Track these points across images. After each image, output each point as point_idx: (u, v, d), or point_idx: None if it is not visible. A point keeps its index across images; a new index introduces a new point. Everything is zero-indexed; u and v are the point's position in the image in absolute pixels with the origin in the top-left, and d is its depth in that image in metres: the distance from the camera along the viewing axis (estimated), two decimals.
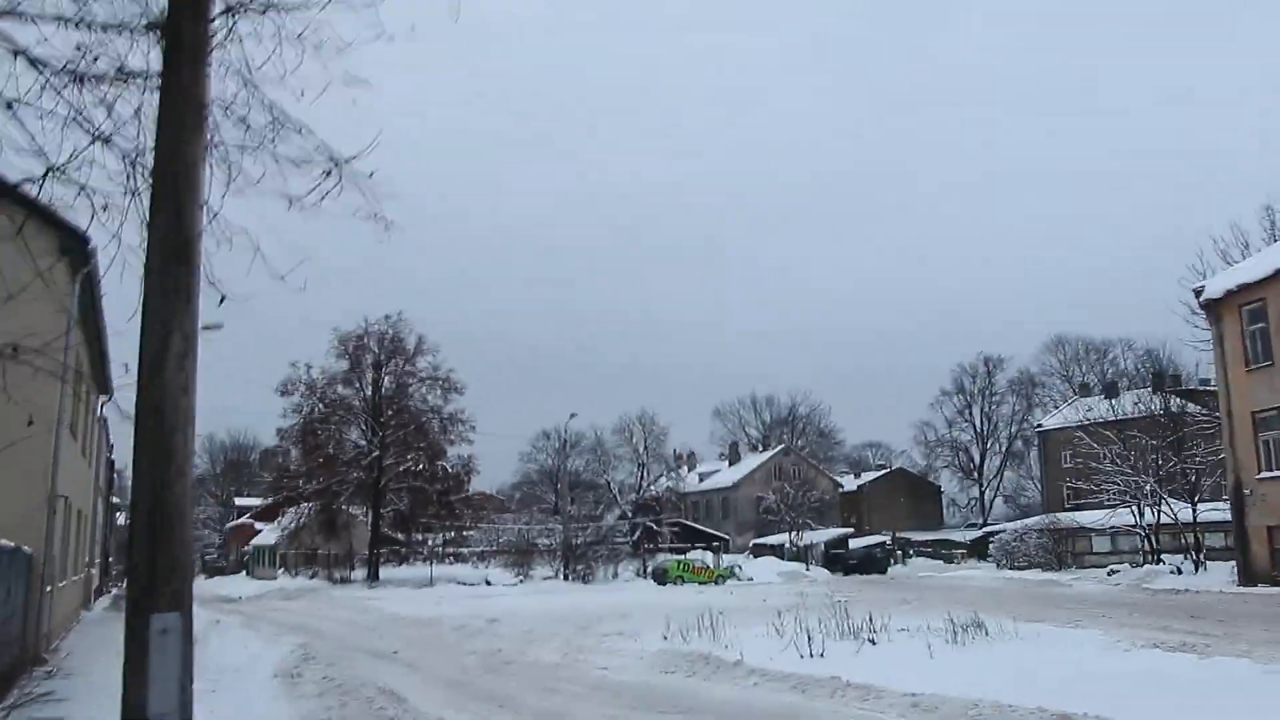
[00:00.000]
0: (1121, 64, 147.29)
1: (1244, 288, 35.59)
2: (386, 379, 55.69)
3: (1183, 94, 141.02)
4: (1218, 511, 44.18)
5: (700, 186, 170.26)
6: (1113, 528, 48.00)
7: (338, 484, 53.16)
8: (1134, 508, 46.58)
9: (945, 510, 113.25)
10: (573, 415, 60.71)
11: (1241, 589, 33.73)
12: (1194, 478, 44.16)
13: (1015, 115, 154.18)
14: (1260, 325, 35.15)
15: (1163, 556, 44.38)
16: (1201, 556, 42.41)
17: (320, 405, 54.89)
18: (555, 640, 21.50)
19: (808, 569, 63.25)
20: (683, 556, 57.63)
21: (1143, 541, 46.52)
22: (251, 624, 28.21)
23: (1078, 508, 65.27)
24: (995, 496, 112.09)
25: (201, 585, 73.82)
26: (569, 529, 59.91)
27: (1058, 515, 53.75)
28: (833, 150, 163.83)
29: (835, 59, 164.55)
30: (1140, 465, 45.52)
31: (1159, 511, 45.12)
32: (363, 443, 54.22)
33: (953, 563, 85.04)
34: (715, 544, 75.93)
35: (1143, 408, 53.50)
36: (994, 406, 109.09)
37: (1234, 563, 38.58)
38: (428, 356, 55.78)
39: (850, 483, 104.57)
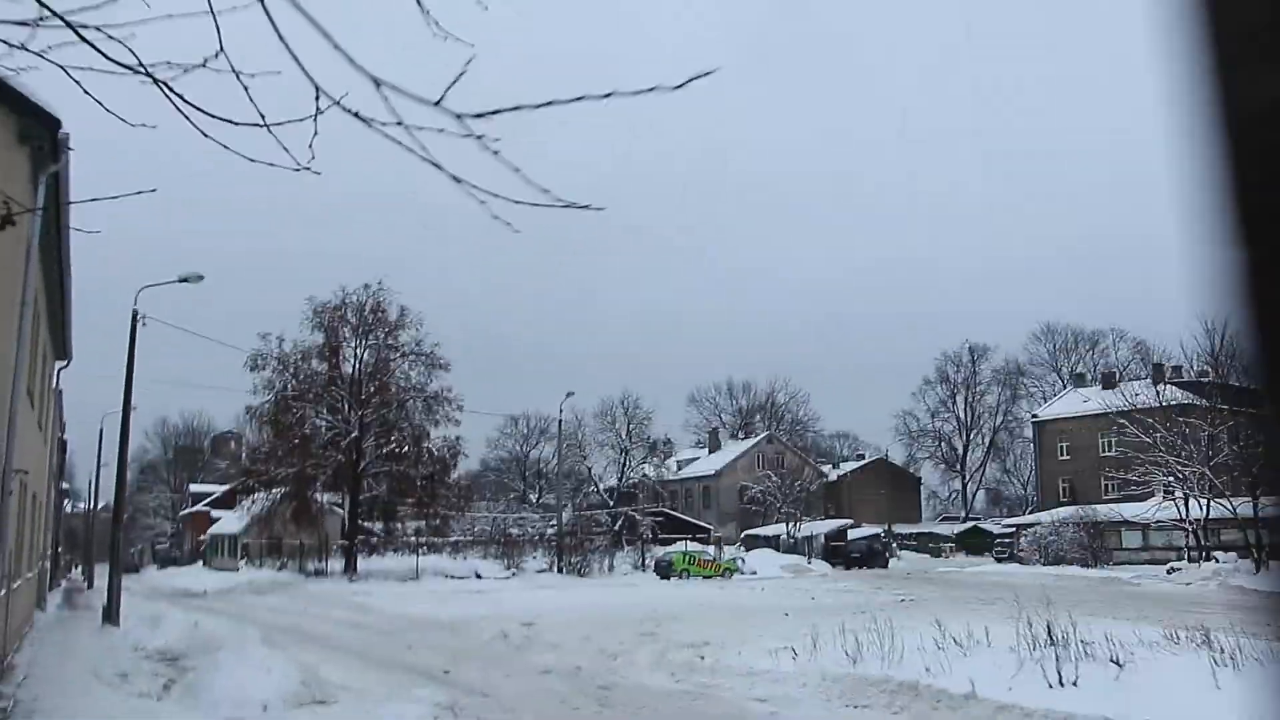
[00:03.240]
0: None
1: None
2: (366, 354, 51.08)
3: None
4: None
5: (673, 167, 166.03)
6: (1158, 522, 44.57)
7: (312, 467, 48.45)
8: (1179, 501, 43.32)
9: (925, 503, 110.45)
10: (569, 394, 56.31)
11: None
12: (1255, 469, 40.82)
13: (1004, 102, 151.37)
14: None
15: (1215, 554, 40.97)
16: (1264, 555, 39.14)
17: (294, 381, 50.16)
18: (634, 652, 17.46)
19: (809, 562, 59.73)
20: (687, 549, 53.73)
21: (1189, 537, 43.07)
22: (245, 625, 23.85)
23: (1074, 502, 62.46)
24: (977, 490, 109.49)
25: (155, 577, 69.11)
26: (563, 519, 55.78)
27: (1095, 508, 50.17)
28: (815, 132, 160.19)
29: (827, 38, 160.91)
30: (1190, 454, 42.06)
31: (1209, 505, 41.80)
32: (340, 423, 49.56)
33: (940, 556, 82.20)
34: (702, 535, 72.24)
35: (1144, 400, 50.06)
36: (978, 397, 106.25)
37: None
38: (410, 330, 51.26)
39: (830, 473, 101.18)
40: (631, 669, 15.59)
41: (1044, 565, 46.45)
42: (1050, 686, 11.35)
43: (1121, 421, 47.01)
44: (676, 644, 18.54)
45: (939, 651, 13.95)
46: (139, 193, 5.99)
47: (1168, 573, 39.32)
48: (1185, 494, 42.42)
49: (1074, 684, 11.35)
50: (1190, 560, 41.85)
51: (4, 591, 14.62)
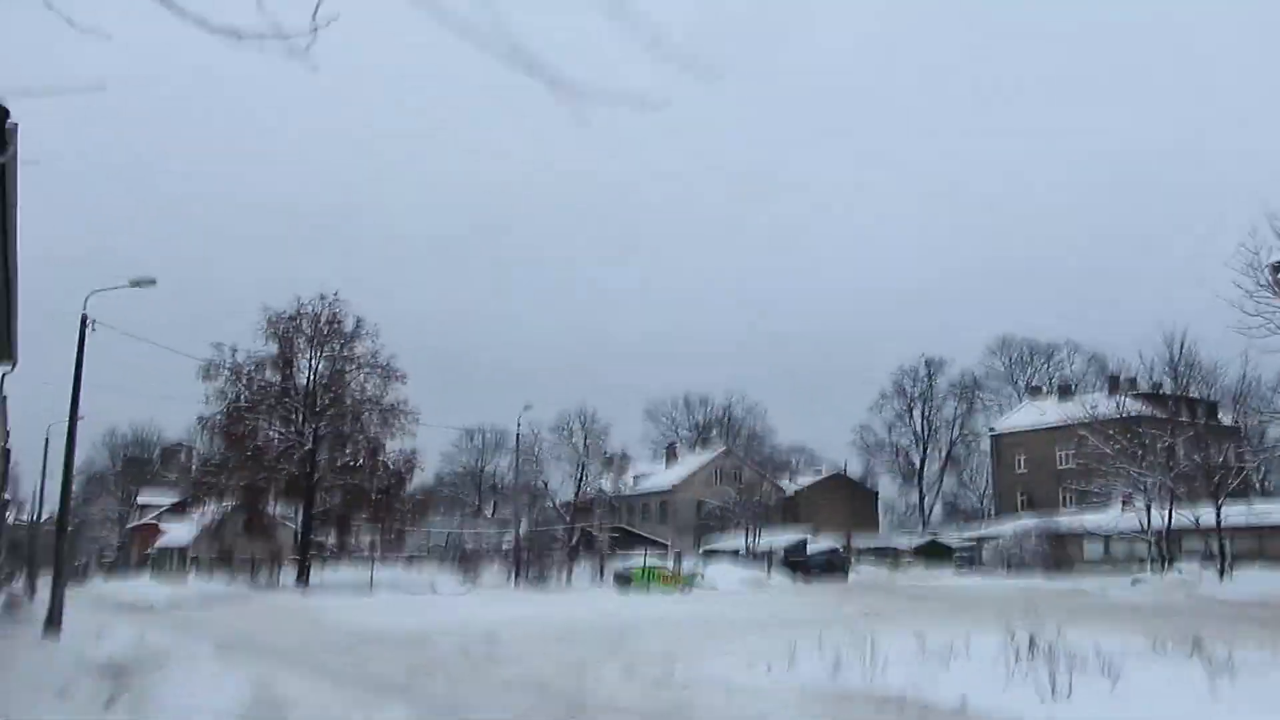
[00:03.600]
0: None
1: None
2: (321, 364, 50.02)
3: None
4: (1240, 515, 41.15)
5: (621, 178, 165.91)
6: (1120, 532, 44.53)
7: (265, 479, 47.37)
8: (1140, 510, 43.33)
9: (881, 516, 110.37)
10: (527, 407, 55.63)
11: None
12: (1217, 478, 40.96)
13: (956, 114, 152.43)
14: None
15: (1178, 564, 40.93)
16: (1228, 564, 39.20)
17: (247, 392, 49.04)
18: (601, 666, 16.85)
19: (768, 575, 59.26)
20: (645, 562, 53.18)
21: (1151, 548, 43.04)
22: (195, 639, 22.97)
23: (1032, 513, 62.50)
24: (935, 502, 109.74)
25: (102, 589, 67.42)
26: (520, 532, 55.00)
27: (1057, 519, 50.10)
28: (764, 140, 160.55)
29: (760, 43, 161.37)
30: (1151, 463, 42.06)
31: (1170, 514, 41.80)
32: (293, 434, 48.51)
33: (898, 569, 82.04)
34: (659, 549, 71.72)
35: (1103, 410, 50.23)
36: (935, 410, 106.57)
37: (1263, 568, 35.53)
38: (367, 341, 50.29)
39: (788, 486, 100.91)
40: (600, 684, 14.97)
41: (1007, 576, 46.23)
42: (1043, 700, 10.88)
43: (1082, 433, 46.98)
44: (644, 657, 17.95)
45: (921, 663, 13.50)
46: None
47: (1132, 583, 39.21)
48: (1147, 503, 42.40)
49: (1068, 696, 10.89)
50: (1153, 570, 41.80)
51: None
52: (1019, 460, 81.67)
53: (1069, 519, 49.65)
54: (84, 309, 23.85)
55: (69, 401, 23.53)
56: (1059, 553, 46.74)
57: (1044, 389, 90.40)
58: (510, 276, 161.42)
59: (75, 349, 23.65)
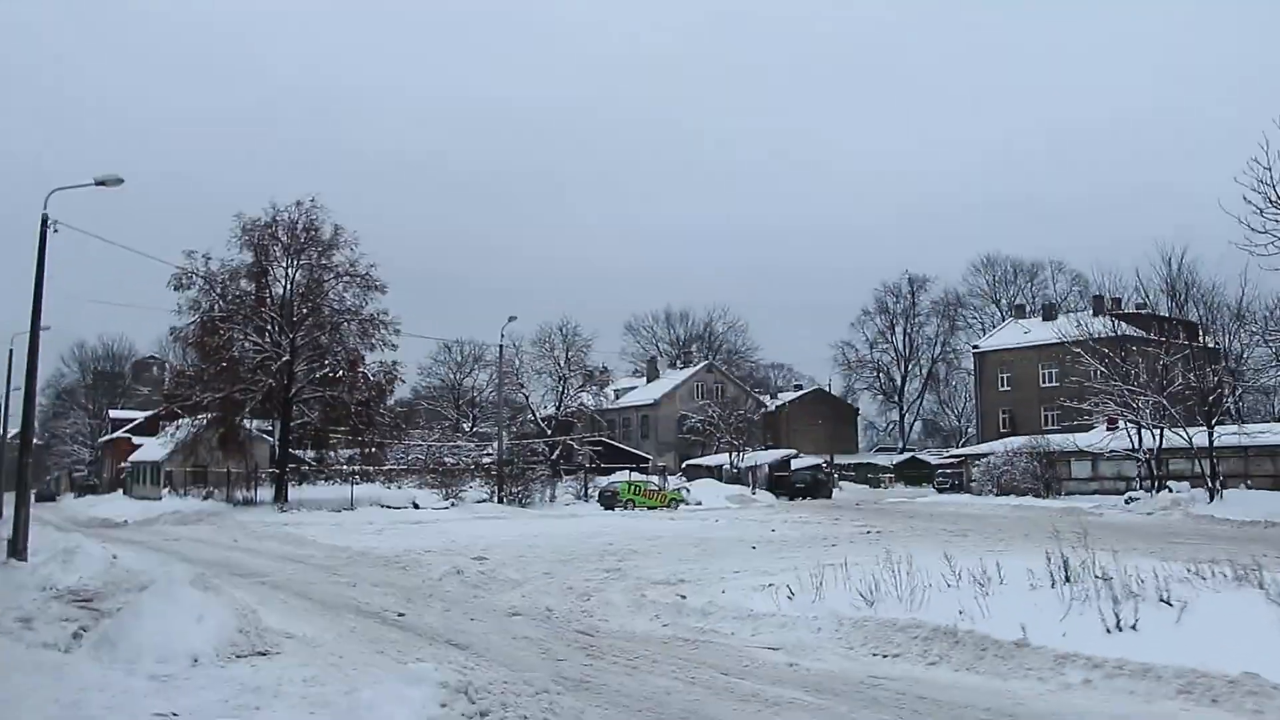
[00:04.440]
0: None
1: None
2: (298, 274, 48.19)
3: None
4: (1232, 435, 40.52)
5: (621, 88, 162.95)
6: (1111, 451, 43.81)
7: (241, 392, 45.76)
8: (1131, 430, 42.63)
9: (861, 434, 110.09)
10: (512, 318, 54.25)
11: None
12: (1211, 398, 40.26)
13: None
14: None
15: (1168, 484, 40.32)
16: (1218, 485, 38.61)
17: (221, 302, 47.22)
18: (605, 592, 15.89)
19: (753, 493, 58.72)
20: (631, 479, 52.37)
21: (1142, 466, 42.41)
22: (170, 560, 21.83)
23: (1014, 433, 61.87)
24: (915, 421, 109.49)
25: (73, 506, 66.36)
26: (502, 448, 53.94)
27: (1047, 437, 49.36)
28: (764, 44, 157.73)
29: None
30: (1145, 383, 41.29)
31: (1161, 435, 41.14)
32: (270, 346, 46.94)
33: (879, 487, 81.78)
34: (642, 465, 71.03)
35: (1098, 329, 49.29)
36: (917, 328, 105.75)
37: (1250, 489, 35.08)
38: (345, 250, 48.35)
39: (768, 404, 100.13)
40: (609, 611, 13.97)
41: (996, 496, 45.58)
42: (1109, 630, 9.87)
43: (1077, 350, 46.03)
44: (648, 581, 17.03)
45: (956, 589, 12.48)
46: None
47: (1126, 503, 38.60)
48: (1137, 423, 41.67)
49: (1133, 627, 9.88)
50: (1144, 490, 41.22)
51: None
52: (1002, 379, 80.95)
53: (1060, 438, 48.74)
54: (44, 208, 22.25)
55: (30, 307, 22.01)
56: (1048, 472, 45.99)
57: (1027, 308, 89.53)
58: (493, 196, 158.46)
59: (36, 251, 22.06)
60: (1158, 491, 39.56)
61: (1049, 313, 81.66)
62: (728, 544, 25.44)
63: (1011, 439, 53.46)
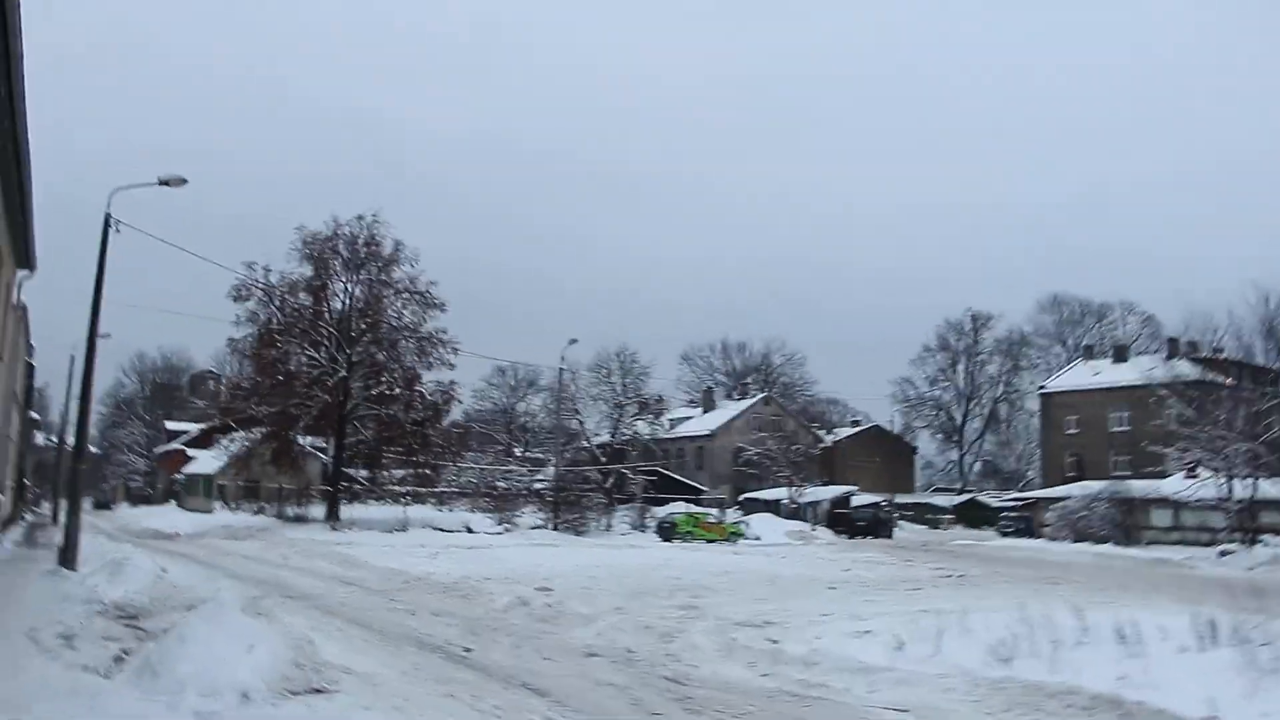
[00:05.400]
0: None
1: None
2: (357, 289, 47.64)
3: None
4: None
5: (672, 111, 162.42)
6: (1198, 500, 41.77)
7: (295, 407, 45.09)
8: (1212, 479, 40.64)
9: (918, 473, 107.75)
10: (573, 341, 53.29)
11: None
12: None
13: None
14: None
15: (1263, 537, 38.26)
16: None
17: (279, 315, 46.72)
18: (687, 632, 14.57)
19: (813, 529, 57.14)
20: (690, 510, 51.06)
21: (1233, 517, 40.33)
22: (220, 577, 20.81)
23: (1080, 477, 59.76)
24: (975, 461, 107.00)
25: (127, 515, 66.04)
26: (557, 474, 52.82)
27: (1127, 483, 47.39)
28: (829, 73, 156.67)
29: None
30: (1238, 430, 39.32)
31: (1255, 484, 39.18)
32: (326, 361, 46.24)
33: (938, 528, 79.57)
34: (695, 496, 69.56)
35: (1183, 373, 47.35)
36: (979, 366, 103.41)
37: None
38: (405, 266, 47.75)
39: (825, 439, 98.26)
40: (696, 655, 12.65)
41: (1072, 542, 43.66)
42: None
43: (1162, 393, 44.12)
44: (730, 622, 15.68)
45: (1096, 647, 11.08)
46: None
47: (1219, 555, 36.57)
48: (1229, 473, 39.68)
49: None
50: (1226, 542, 39.22)
51: None
52: (1069, 422, 78.78)
53: (1140, 484, 46.71)
54: (107, 207, 21.44)
55: (89, 307, 21.15)
56: (1127, 520, 44.04)
57: (1095, 349, 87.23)
58: (548, 229, 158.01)
59: (98, 252, 21.24)
60: (1251, 545, 37.57)
61: (1120, 354, 79.55)
62: (801, 583, 24.07)
63: (1087, 483, 51.43)
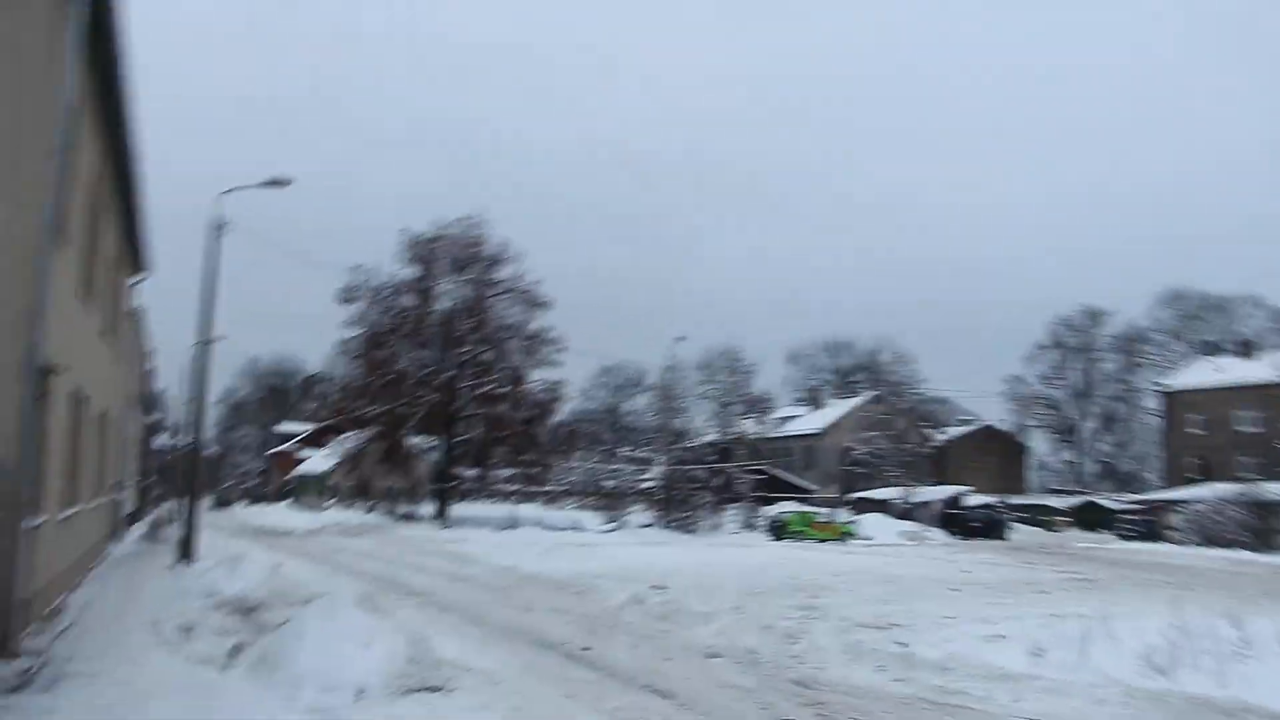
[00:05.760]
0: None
1: None
2: (462, 289, 47.82)
3: None
4: None
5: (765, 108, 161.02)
6: None
7: (405, 407, 45.42)
8: None
9: (1031, 473, 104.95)
10: (681, 338, 52.91)
11: None
12: None
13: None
14: None
15: None
16: None
17: (387, 316, 47.14)
18: (809, 634, 14.01)
19: (925, 529, 55.86)
20: (801, 509, 50.23)
21: None
22: (334, 572, 20.83)
23: (1206, 479, 57.28)
24: (1091, 462, 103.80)
25: (244, 514, 67.51)
26: (665, 472, 52.38)
27: (1261, 486, 45.27)
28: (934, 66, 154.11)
29: None
30: None
31: None
32: (434, 361, 46.50)
33: (1052, 530, 77.30)
34: (803, 495, 68.61)
35: None
36: (1094, 364, 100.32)
37: None
38: (510, 265, 47.82)
39: (936, 438, 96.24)
40: (822, 657, 12.12)
41: (1202, 546, 41.82)
42: None
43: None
44: (853, 623, 15.08)
45: (1251, 659, 10.28)
46: None
47: None
48: None
49: None
50: None
51: (41, 521, 11.61)
52: (1192, 421, 75.85)
53: (1277, 487, 44.51)
54: (217, 209, 21.67)
55: (199, 306, 21.38)
56: (1261, 524, 42.02)
57: (1218, 345, 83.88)
58: (649, 234, 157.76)
59: (208, 253, 21.43)
60: None
61: (1247, 350, 76.45)
62: (922, 584, 23.25)
63: (1218, 485, 49.25)
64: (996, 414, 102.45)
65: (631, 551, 31.38)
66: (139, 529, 38.93)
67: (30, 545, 9.98)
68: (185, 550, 21.24)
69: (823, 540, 44.99)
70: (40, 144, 9.74)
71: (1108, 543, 53.49)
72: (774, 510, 51.56)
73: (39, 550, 11.06)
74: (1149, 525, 55.13)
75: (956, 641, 13.10)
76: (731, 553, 33.06)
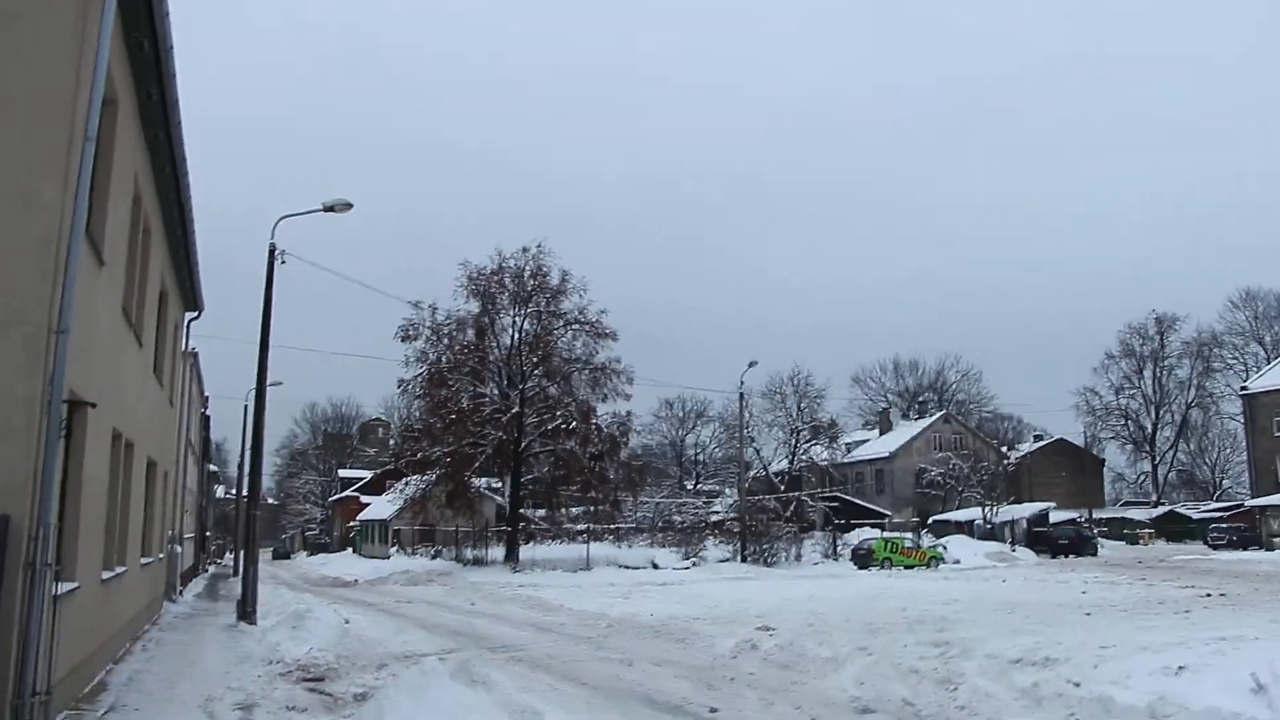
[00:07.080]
0: None
1: None
2: (525, 322, 46.24)
3: None
4: None
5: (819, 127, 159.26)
6: None
7: (470, 446, 43.70)
8: None
9: (1108, 486, 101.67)
10: (752, 364, 50.79)
11: None
12: None
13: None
14: None
15: None
16: None
17: (448, 353, 45.61)
18: (963, 675, 12.08)
19: (1012, 549, 53.52)
20: (885, 536, 48.13)
21: None
22: (406, 626, 19.14)
23: None
24: (1169, 471, 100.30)
25: (305, 564, 66.37)
26: (740, 505, 50.36)
27: None
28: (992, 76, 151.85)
29: None
30: None
31: None
32: (499, 398, 44.95)
33: (1137, 543, 74.51)
34: (878, 520, 66.34)
35: None
36: (1167, 371, 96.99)
37: None
38: (574, 296, 46.19)
39: (1010, 455, 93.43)
40: (996, 707, 10.24)
41: None
42: None
43: None
44: (1003, 660, 13.08)
45: None
46: None
47: None
48: None
49: None
50: None
51: (86, 582, 10.03)
52: (1277, 424, 72.60)
53: None
54: (272, 237, 20.25)
55: (258, 337, 19.94)
56: None
57: None
58: (702, 266, 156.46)
59: (264, 282, 20.00)
60: None
61: None
62: (1046, 609, 21.13)
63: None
64: (1067, 428, 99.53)
65: (719, 589, 29.54)
66: (197, 585, 37.67)
67: (60, 616, 8.33)
68: (245, 608, 19.67)
69: (909, 566, 43.04)
70: (62, 132, 8.16)
71: (1206, 554, 51.00)
72: (855, 538, 49.48)
73: (73, 620, 9.44)
74: (1243, 532, 52.50)
75: (1135, 676, 11.13)
76: (824, 585, 31.08)
